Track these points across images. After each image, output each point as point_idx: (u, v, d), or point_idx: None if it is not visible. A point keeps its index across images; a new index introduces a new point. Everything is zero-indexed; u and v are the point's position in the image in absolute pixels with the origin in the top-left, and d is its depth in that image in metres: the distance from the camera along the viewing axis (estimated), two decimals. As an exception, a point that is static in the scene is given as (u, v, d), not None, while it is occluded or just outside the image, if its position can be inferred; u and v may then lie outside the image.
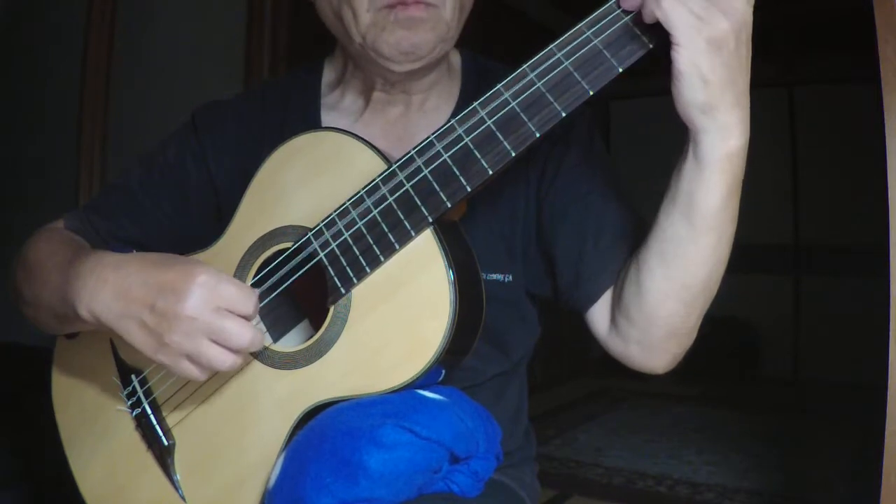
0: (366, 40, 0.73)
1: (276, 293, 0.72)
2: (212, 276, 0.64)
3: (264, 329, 0.76)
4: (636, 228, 0.76)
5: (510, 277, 0.80)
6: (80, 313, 0.68)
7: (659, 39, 0.59)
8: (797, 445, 2.70)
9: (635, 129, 4.02)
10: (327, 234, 0.68)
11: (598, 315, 0.77)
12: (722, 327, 3.43)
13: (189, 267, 0.65)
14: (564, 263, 0.78)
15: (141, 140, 1.91)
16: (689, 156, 0.62)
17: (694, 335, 0.73)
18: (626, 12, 0.59)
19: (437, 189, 0.64)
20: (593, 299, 0.77)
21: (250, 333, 0.64)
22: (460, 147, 0.64)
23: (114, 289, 0.66)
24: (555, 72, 0.61)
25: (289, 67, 2.39)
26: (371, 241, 0.66)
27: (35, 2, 2.63)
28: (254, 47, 2.42)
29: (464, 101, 0.82)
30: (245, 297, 0.64)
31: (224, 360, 0.64)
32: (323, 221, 0.68)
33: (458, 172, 0.64)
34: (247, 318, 0.64)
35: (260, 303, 0.67)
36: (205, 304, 0.63)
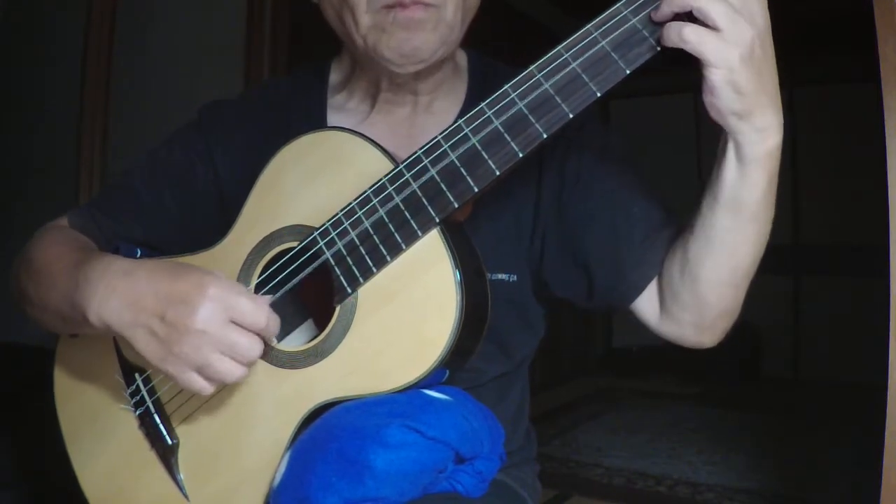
0: (367, 43, 0.72)
1: (280, 292, 0.72)
2: (223, 289, 0.63)
3: None
4: (667, 217, 0.77)
5: (515, 277, 0.80)
6: (89, 319, 0.68)
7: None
8: (797, 445, 2.70)
9: (635, 128, 4.02)
10: (333, 234, 0.68)
11: (646, 305, 0.78)
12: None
13: (200, 278, 0.64)
14: (601, 263, 0.78)
15: (141, 140, 1.90)
16: (729, 156, 0.64)
17: (740, 309, 0.76)
18: (634, 13, 0.59)
19: (444, 189, 0.64)
20: (637, 292, 0.78)
21: (260, 347, 0.64)
22: (468, 148, 0.64)
23: (124, 297, 0.66)
24: (562, 73, 0.61)
25: (289, 67, 2.39)
26: (377, 241, 0.66)
27: (35, 2, 2.63)
28: (254, 47, 2.42)
29: (471, 102, 0.82)
30: (257, 311, 0.64)
31: (233, 372, 0.64)
32: (329, 221, 0.68)
33: (465, 173, 0.64)
34: (259, 332, 0.64)
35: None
36: (215, 317, 0.62)
